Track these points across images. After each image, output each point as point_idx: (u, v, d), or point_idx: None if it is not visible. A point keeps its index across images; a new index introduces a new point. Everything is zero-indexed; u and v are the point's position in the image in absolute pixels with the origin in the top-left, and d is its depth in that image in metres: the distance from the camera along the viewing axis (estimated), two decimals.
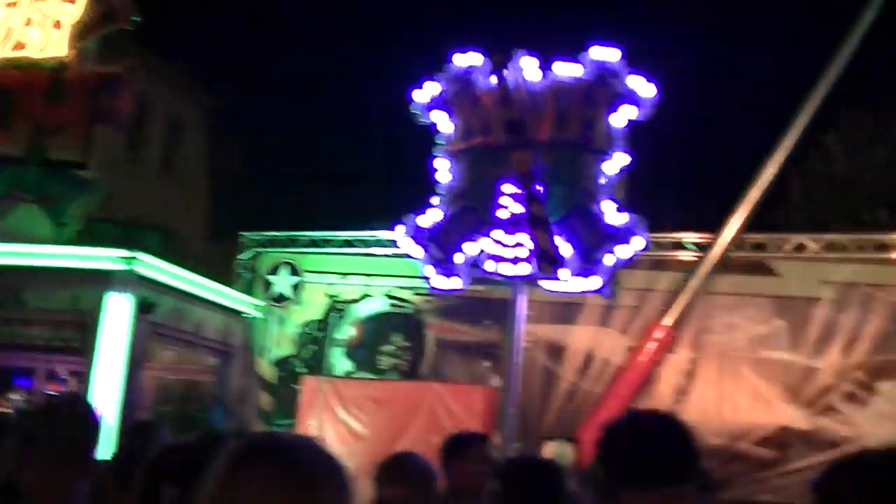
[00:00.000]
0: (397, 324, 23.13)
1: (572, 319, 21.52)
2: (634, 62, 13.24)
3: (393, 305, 23.13)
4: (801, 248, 21.08)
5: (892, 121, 31.01)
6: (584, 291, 12.69)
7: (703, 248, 20.61)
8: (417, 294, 22.31)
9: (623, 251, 12.28)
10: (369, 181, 27.24)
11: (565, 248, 12.21)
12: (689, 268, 20.63)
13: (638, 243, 12.38)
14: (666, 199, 25.86)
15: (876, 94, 31.32)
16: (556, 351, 21.72)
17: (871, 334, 20.46)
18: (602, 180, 12.66)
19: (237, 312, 23.08)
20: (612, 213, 12.46)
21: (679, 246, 21.37)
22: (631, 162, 13.69)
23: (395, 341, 22.99)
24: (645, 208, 14.10)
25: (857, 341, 20.49)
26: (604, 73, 12.83)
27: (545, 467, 5.08)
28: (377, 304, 23.27)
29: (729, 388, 20.91)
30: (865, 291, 20.60)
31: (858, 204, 30.00)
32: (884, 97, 31.55)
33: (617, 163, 12.87)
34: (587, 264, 12.18)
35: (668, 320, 20.37)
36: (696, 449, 3.21)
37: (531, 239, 12.27)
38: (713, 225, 20.54)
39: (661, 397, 20.93)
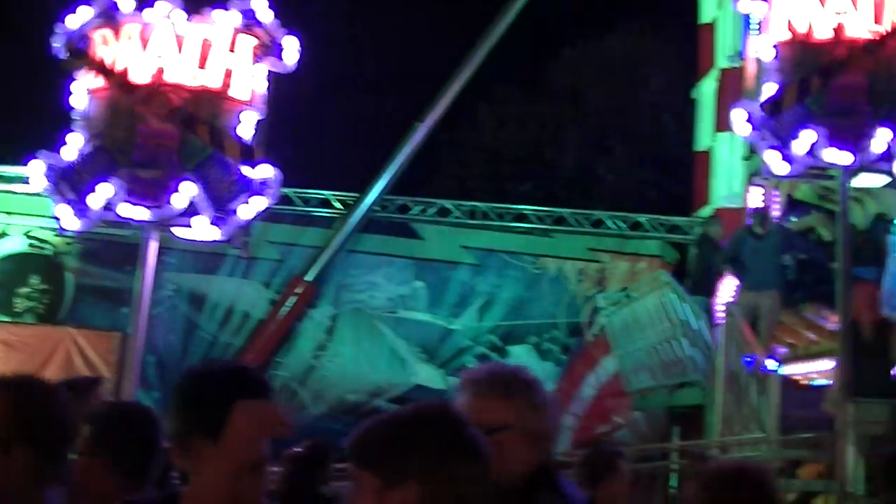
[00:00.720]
0: (36, 265, 22.22)
1: (215, 270, 21.33)
2: (282, 15, 13.22)
3: (32, 246, 22.19)
4: (444, 212, 21.67)
5: (542, 98, 32.18)
6: (215, 241, 12.66)
7: (349, 206, 20.84)
8: (58, 236, 21.52)
9: (257, 203, 12.27)
10: (11, 113, 25.95)
11: (199, 197, 12.10)
12: (334, 225, 20.85)
13: (273, 196, 12.41)
14: (315, 156, 25.97)
15: (529, 71, 32.45)
16: (197, 301, 21.49)
17: (505, 300, 21.31)
18: (240, 131, 12.59)
19: None
20: (247, 165, 12.42)
21: (326, 203, 21.54)
22: (277, 115, 13.62)
23: (33, 283, 22.09)
24: (293, 163, 14.08)
25: (492, 306, 21.29)
26: (250, 23, 12.78)
27: (139, 413, 4.97)
28: (15, 244, 22.27)
29: (367, 346, 21.30)
30: (502, 258, 21.42)
31: (504, 175, 31.04)
32: (535, 75, 32.73)
33: (256, 114, 12.82)
34: (220, 214, 12.13)
35: (311, 276, 20.54)
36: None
37: (161, 183, 12.12)
38: (361, 184, 20.82)
39: (301, 352, 21.11)
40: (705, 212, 20.54)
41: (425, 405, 2.74)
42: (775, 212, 15.94)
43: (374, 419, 2.70)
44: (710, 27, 20.85)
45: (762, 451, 12.45)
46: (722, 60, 20.10)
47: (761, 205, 15.70)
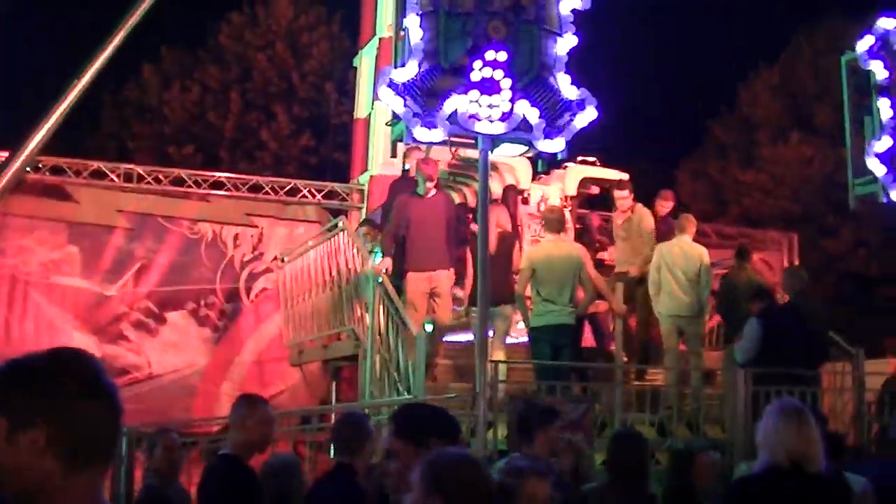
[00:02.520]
0: None
1: None
2: None
3: None
4: (99, 174, 21.10)
5: (207, 61, 31.93)
6: None
7: None
8: None
9: None
10: None
11: None
12: None
13: None
14: None
15: (195, 34, 32.17)
16: None
17: (162, 265, 21.00)
18: None
19: None
20: None
21: None
22: None
23: None
24: None
25: (148, 271, 20.94)
26: None
27: None
28: None
29: (19, 314, 20.54)
30: (159, 223, 21.08)
31: (168, 137, 30.64)
32: (202, 38, 32.45)
33: None
34: None
35: None
36: None
37: None
38: (11, 144, 20.01)
39: None
40: (364, 178, 20.90)
41: (58, 350, 2.83)
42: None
43: (5, 363, 2.78)
44: None
45: None
46: (382, 29, 20.43)
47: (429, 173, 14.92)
